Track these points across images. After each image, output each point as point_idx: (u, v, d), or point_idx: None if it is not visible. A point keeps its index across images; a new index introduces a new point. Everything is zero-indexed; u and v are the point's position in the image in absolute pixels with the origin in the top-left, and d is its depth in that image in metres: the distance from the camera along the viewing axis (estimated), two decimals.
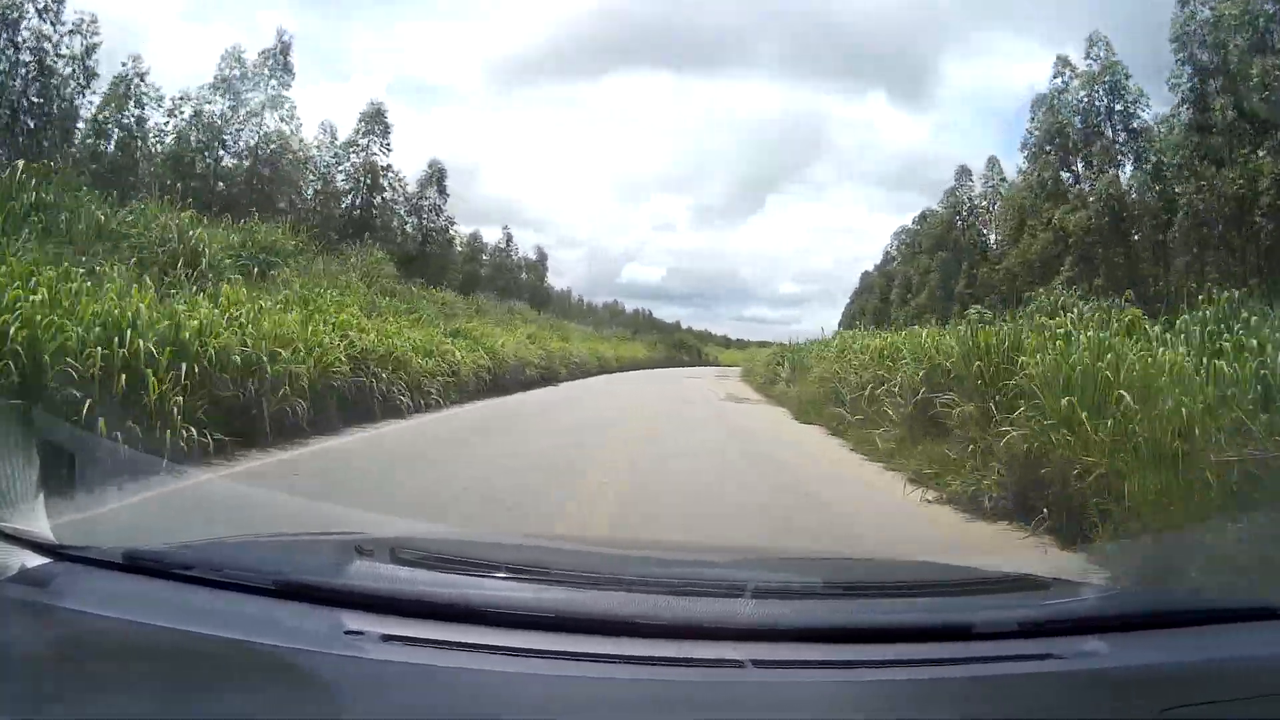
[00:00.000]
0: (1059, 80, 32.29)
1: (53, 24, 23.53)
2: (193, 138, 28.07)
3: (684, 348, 59.59)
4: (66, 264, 7.89)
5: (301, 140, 30.76)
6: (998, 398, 6.77)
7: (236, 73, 29.24)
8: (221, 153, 28.90)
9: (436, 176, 37.01)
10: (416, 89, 68.46)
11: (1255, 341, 5.70)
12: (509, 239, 46.97)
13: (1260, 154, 24.82)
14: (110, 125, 26.74)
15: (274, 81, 29.77)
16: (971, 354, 7.58)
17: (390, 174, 33.69)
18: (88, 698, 1.17)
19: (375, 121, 33.37)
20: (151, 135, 27.66)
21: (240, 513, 5.18)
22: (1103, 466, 5.06)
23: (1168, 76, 27.74)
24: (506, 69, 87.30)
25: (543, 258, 50.11)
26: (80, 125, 25.77)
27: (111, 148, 26.58)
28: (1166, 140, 28.29)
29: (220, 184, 27.99)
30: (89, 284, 7.45)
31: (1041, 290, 24.02)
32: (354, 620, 1.37)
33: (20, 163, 10.59)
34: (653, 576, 1.75)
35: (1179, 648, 1.56)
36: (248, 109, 29.30)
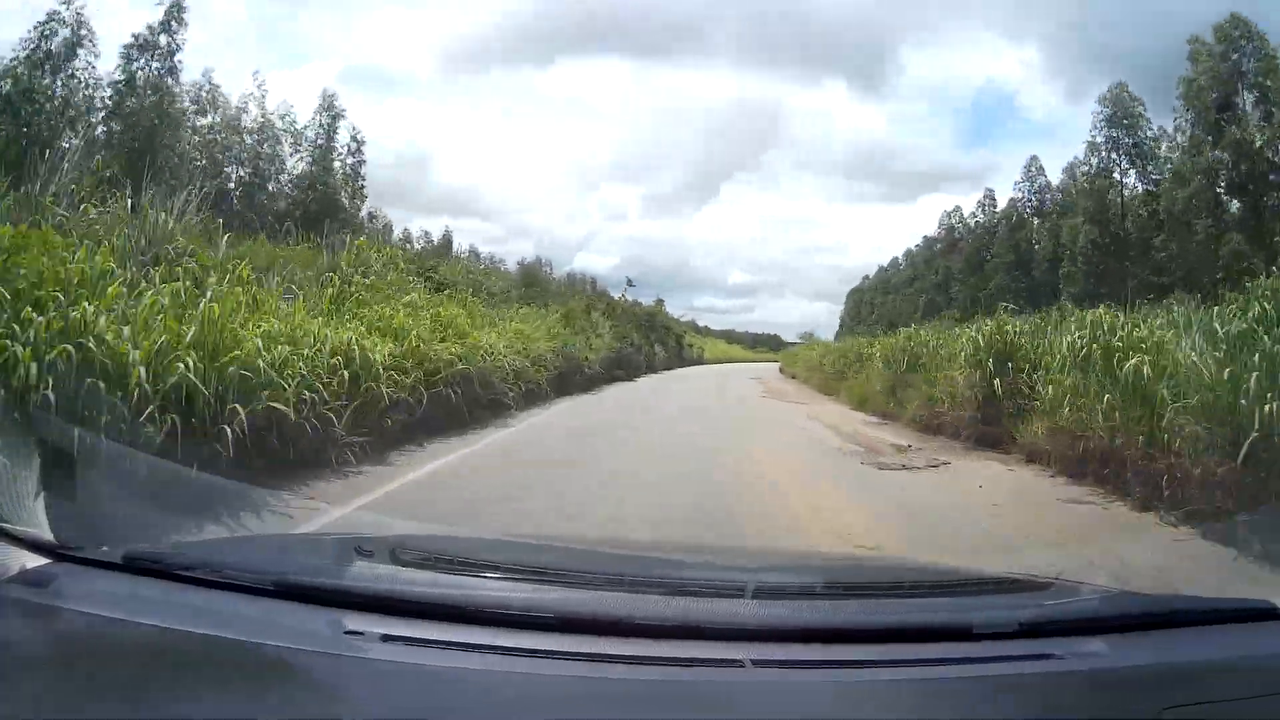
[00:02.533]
0: None
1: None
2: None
3: (654, 331, 34.08)
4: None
5: None
6: None
7: None
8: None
9: None
10: (369, 77, 65.58)
11: None
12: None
13: None
14: None
15: None
16: None
17: None
18: (88, 698, 1.17)
19: None
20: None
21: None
22: None
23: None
24: (458, 56, 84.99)
25: (352, 164, 24.07)
26: None
27: None
28: None
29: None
30: None
31: None
32: (354, 620, 1.37)
33: None
34: (652, 576, 1.76)
35: (1179, 648, 1.55)
36: None
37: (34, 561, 1.51)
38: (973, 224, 37.70)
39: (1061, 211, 31.97)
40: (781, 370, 34.90)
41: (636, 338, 28.08)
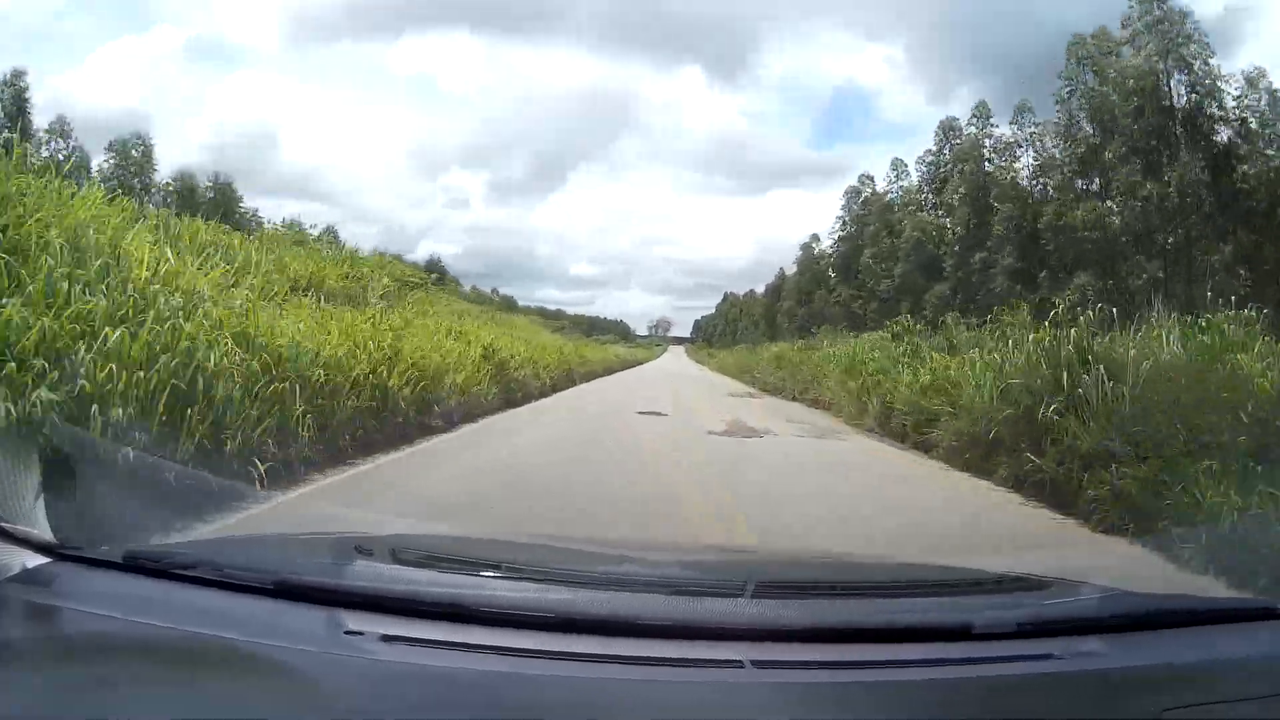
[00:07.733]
0: None
1: None
2: None
3: None
4: None
5: None
6: None
7: None
8: None
9: None
10: (215, 49, 63.31)
11: None
12: None
13: None
14: None
15: None
16: None
17: None
18: (88, 697, 1.17)
19: None
20: None
21: None
22: None
23: None
24: (304, 26, 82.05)
25: None
26: None
27: None
28: None
29: None
30: None
31: None
32: (354, 620, 1.37)
33: None
34: (653, 577, 1.76)
35: (1179, 648, 1.55)
36: None
37: (34, 561, 1.51)
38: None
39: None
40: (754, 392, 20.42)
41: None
